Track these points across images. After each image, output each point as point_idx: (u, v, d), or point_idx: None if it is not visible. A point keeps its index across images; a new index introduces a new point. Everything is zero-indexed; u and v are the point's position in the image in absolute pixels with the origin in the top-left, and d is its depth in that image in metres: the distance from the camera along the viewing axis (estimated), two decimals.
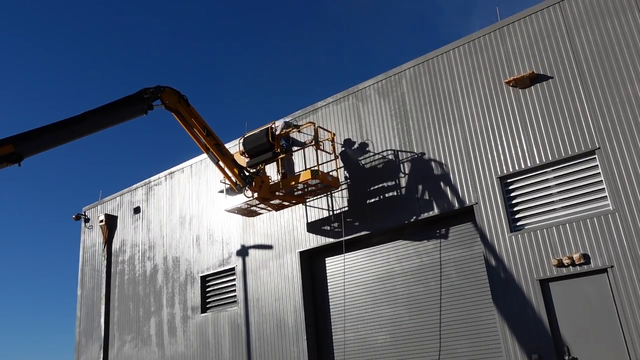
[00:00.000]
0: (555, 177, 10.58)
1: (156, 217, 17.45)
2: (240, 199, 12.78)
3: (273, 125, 12.96)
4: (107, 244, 18.61)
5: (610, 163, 9.92)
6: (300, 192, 12.84)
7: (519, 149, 10.98)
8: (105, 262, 18.38)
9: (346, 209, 13.15)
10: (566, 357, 9.67)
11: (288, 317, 13.45)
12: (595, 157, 10.16)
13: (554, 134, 10.63)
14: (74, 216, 19.99)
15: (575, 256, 9.80)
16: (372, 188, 12.89)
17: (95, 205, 19.84)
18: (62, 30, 56.59)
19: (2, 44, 52.37)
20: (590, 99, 10.39)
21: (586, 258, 9.79)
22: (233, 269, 15.00)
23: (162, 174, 17.76)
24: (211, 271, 15.43)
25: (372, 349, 12.39)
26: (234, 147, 14.76)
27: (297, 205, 13.86)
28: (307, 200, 13.65)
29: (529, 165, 10.77)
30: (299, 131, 13.46)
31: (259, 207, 13.42)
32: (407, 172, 12.45)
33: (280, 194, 12.72)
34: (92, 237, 19.44)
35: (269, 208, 13.49)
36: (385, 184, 12.71)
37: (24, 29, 54.40)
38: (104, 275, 18.22)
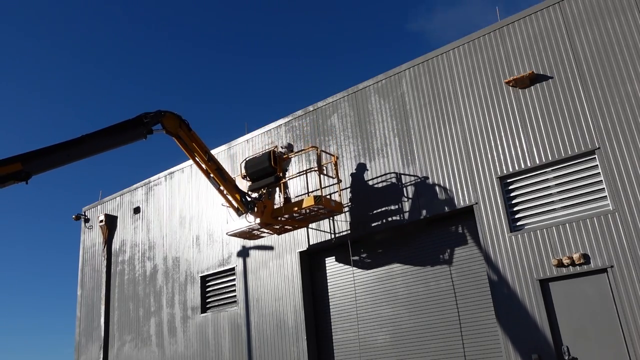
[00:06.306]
0: (555, 177, 10.59)
1: (156, 217, 17.45)
2: (242, 222, 12.54)
3: (275, 149, 12.74)
4: (107, 244, 18.61)
5: (610, 163, 9.92)
6: (303, 217, 12.55)
7: (518, 149, 10.98)
8: (105, 262, 18.38)
9: (348, 232, 13.15)
10: (566, 357, 9.67)
11: (288, 317, 13.45)
12: (595, 157, 10.16)
13: (554, 134, 10.63)
14: (74, 216, 20.01)
15: (575, 256, 9.80)
16: (371, 188, 12.89)
17: (95, 205, 19.85)
18: (61, 29, 56.64)
19: (3, 44, 52.41)
20: (590, 99, 10.40)
21: (586, 258, 9.79)
22: (233, 269, 15.00)
23: (162, 174, 17.76)
24: (211, 271, 15.43)
25: (372, 349, 12.39)
26: (234, 146, 14.76)
27: None
28: (310, 223, 13.37)
29: (529, 165, 10.77)
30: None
31: (260, 231, 13.13)
32: (406, 172, 12.44)
33: (283, 219, 12.48)
34: (92, 237, 19.45)
35: (271, 232, 13.21)
36: (385, 184, 12.71)
37: (23, 32, 54.45)
38: (104, 275, 18.23)
